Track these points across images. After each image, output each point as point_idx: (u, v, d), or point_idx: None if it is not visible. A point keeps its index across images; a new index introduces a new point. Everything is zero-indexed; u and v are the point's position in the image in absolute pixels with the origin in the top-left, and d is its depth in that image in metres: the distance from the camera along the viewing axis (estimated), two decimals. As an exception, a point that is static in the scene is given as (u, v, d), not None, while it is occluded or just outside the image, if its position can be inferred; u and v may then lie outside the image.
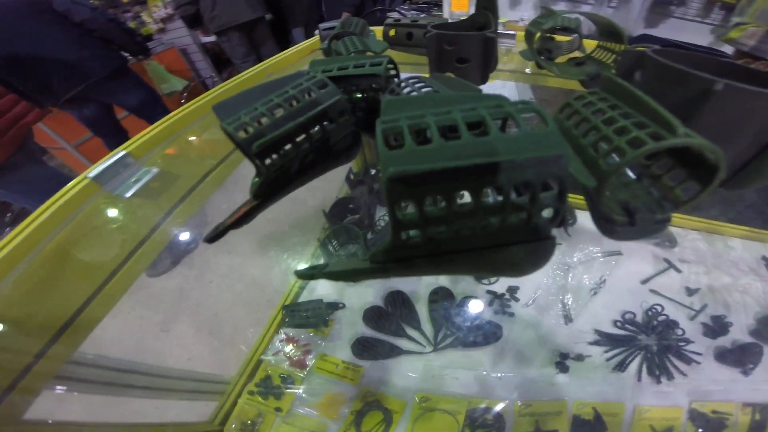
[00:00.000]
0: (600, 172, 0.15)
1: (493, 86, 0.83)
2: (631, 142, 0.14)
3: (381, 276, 0.16)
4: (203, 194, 0.43)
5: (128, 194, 0.38)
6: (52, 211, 0.34)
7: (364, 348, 0.72)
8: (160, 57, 3.26)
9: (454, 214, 0.14)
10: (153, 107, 2.24)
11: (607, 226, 0.18)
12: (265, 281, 1.04)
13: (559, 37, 0.52)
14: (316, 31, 0.60)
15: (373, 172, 0.98)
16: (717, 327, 0.69)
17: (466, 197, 0.13)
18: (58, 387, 0.36)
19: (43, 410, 0.34)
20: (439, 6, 2.79)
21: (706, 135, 0.20)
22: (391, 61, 0.28)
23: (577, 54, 0.51)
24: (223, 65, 3.70)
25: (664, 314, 0.72)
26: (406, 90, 0.21)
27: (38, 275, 0.33)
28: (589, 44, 0.50)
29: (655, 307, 0.73)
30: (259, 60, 2.80)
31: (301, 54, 0.58)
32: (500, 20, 2.26)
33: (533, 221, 0.14)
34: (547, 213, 0.14)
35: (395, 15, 2.54)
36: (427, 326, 0.74)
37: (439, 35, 0.38)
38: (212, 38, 3.33)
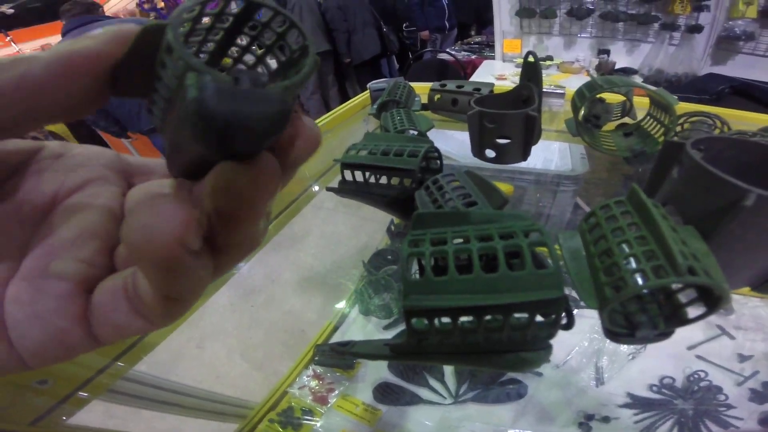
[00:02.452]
0: (603, 298, 0.16)
1: (544, 146, 0.84)
2: (635, 275, 0.16)
3: (397, 361, 0.19)
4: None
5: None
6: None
7: (385, 393, 0.73)
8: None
9: (460, 330, 0.16)
10: None
11: (607, 333, 0.19)
12: (302, 316, 1.08)
13: (610, 97, 0.50)
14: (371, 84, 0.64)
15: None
16: (766, 392, 0.64)
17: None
18: (80, 392, 0.37)
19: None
20: (491, 47, 2.86)
21: (739, 243, 0.21)
22: (431, 148, 0.31)
23: (627, 120, 0.49)
24: None
25: (708, 380, 0.67)
26: (438, 188, 0.24)
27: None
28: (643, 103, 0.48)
29: (699, 372, 0.68)
30: (324, 99, 3.01)
31: (354, 110, 0.63)
32: (555, 61, 2.27)
33: (531, 338, 0.16)
34: (545, 334, 0.16)
35: (445, 56, 2.63)
36: (450, 378, 0.74)
37: (481, 113, 0.39)
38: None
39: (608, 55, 2.13)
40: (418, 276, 0.16)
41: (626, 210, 0.19)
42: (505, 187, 0.79)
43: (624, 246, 0.17)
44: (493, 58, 2.63)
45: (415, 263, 0.17)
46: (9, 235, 0.13)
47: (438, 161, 0.34)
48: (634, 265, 0.16)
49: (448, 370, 0.75)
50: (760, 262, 0.22)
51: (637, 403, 0.65)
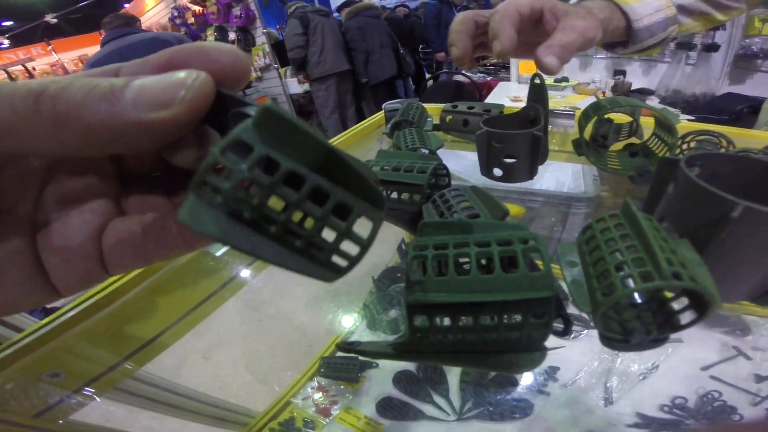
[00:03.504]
0: (595, 303, 0.17)
1: (557, 167, 0.85)
2: (624, 280, 0.17)
3: (400, 360, 0.20)
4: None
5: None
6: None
7: (388, 407, 0.73)
8: (254, 103, 3.65)
9: (458, 328, 0.17)
10: None
11: (603, 339, 0.20)
12: (310, 330, 1.09)
13: (618, 118, 0.51)
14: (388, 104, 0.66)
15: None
16: None
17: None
18: (89, 388, 0.38)
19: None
20: (507, 68, 2.89)
21: (732, 255, 0.21)
22: (440, 165, 0.33)
23: (634, 140, 0.51)
24: (305, 117, 4.03)
25: (722, 400, 0.65)
26: (444, 201, 0.25)
27: (139, 302, 0.39)
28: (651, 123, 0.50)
29: (712, 393, 0.67)
30: (341, 118, 3.07)
31: (369, 130, 0.65)
32: (571, 82, 2.28)
33: (525, 338, 0.17)
34: (538, 335, 0.17)
35: (461, 78, 2.67)
36: (455, 395, 0.73)
37: (489, 133, 0.41)
38: (300, 90, 3.69)
39: (624, 76, 2.13)
40: (421, 276, 0.17)
41: (619, 222, 0.20)
42: (516, 209, 0.79)
43: (616, 254, 0.18)
44: (509, 79, 2.66)
45: (419, 266, 0.19)
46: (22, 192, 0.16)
47: (446, 177, 0.36)
48: (623, 271, 0.17)
49: (453, 386, 0.75)
50: (755, 275, 0.23)
51: (646, 423, 0.64)
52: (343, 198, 0.13)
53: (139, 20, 2.15)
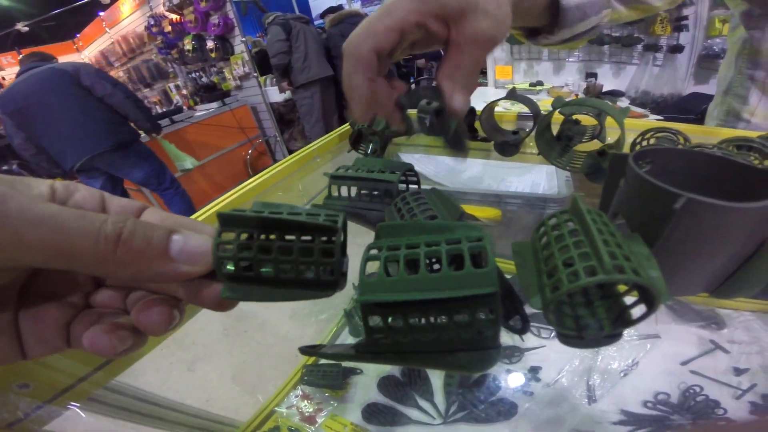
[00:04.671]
0: (545, 299, 0.18)
1: (532, 169, 0.86)
2: (569, 276, 0.17)
3: (361, 361, 0.20)
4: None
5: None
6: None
7: (373, 413, 0.72)
8: (233, 112, 3.59)
9: (410, 328, 0.18)
10: (156, 183, 2.36)
11: (558, 336, 0.20)
12: (296, 338, 1.08)
13: (584, 120, 0.51)
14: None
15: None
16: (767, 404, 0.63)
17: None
18: (71, 404, 0.39)
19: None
20: (484, 74, 2.94)
21: (681, 248, 0.22)
22: (410, 169, 0.33)
23: (597, 142, 0.51)
24: (286, 126, 3.98)
25: (704, 394, 0.67)
26: (405, 203, 0.25)
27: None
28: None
29: (694, 387, 0.68)
30: (326, 126, 3.06)
31: (342, 138, 0.65)
32: (545, 86, 2.34)
33: (476, 336, 0.18)
34: (487, 332, 0.17)
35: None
36: (439, 398, 0.74)
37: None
38: (280, 98, 3.66)
39: (596, 79, 2.19)
40: (374, 277, 0.17)
41: (569, 219, 0.20)
42: (492, 212, 0.80)
43: (564, 250, 0.18)
44: (486, 84, 2.70)
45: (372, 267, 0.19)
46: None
47: (416, 180, 0.36)
48: (570, 267, 0.17)
49: (437, 389, 0.75)
50: (707, 266, 0.23)
51: (631, 420, 0.65)
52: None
53: (56, 58, 2.24)
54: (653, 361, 0.75)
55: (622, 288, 0.21)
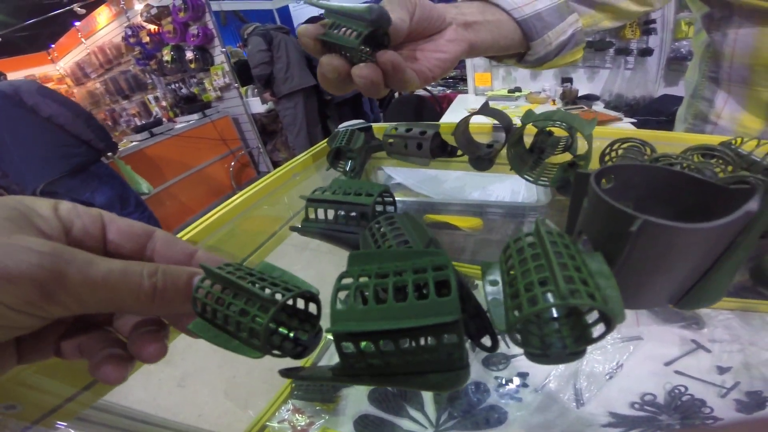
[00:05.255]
0: (509, 321, 0.19)
1: (511, 179, 0.87)
2: (529, 300, 0.18)
3: (338, 383, 0.21)
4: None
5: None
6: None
7: (365, 425, 0.73)
8: (215, 124, 3.55)
9: (381, 353, 0.19)
10: (120, 206, 2.19)
11: (526, 354, 0.21)
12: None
13: (557, 131, 0.52)
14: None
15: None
16: (753, 402, 0.64)
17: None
18: (59, 423, 0.39)
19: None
20: (465, 81, 2.98)
21: (641, 266, 0.22)
22: (386, 191, 0.34)
23: (569, 154, 0.53)
24: (269, 137, 3.95)
25: (689, 393, 0.68)
26: (378, 229, 0.26)
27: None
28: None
29: (679, 387, 0.69)
30: (309, 136, 3.05)
31: (323, 154, 0.66)
32: (523, 92, 2.38)
33: (443, 359, 0.19)
34: (454, 355, 0.19)
35: (422, 92, 2.72)
36: (430, 408, 0.74)
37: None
38: (262, 109, 3.64)
39: (571, 84, 2.24)
40: (345, 306, 0.18)
41: (533, 241, 0.21)
42: (473, 221, 0.82)
43: (526, 275, 0.19)
44: (467, 92, 2.74)
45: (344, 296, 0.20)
46: None
47: (392, 202, 0.37)
48: (531, 291, 0.18)
49: (428, 399, 0.75)
50: (668, 282, 0.24)
51: (620, 421, 0.66)
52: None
53: (5, 75, 2.19)
54: (637, 362, 0.76)
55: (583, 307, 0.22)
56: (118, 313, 0.24)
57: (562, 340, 0.21)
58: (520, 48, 0.48)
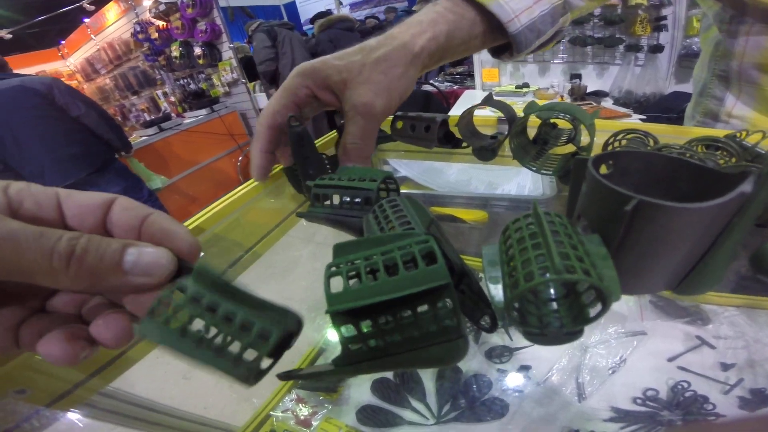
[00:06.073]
0: (506, 299, 0.19)
1: (518, 172, 0.87)
2: (525, 276, 0.18)
3: (342, 376, 0.22)
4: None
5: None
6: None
7: (368, 415, 0.73)
8: (223, 119, 3.58)
9: (381, 331, 0.19)
10: (134, 197, 2.31)
11: (524, 333, 0.21)
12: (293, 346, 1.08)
13: (561, 123, 0.52)
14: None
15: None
16: (756, 399, 0.63)
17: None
18: (69, 409, 0.40)
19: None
20: (472, 77, 2.97)
21: (635, 248, 0.23)
22: (390, 177, 0.35)
23: (573, 146, 0.53)
24: None
25: (692, 390, 0.68)
26: (382, 211, 0.27)
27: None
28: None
29: (682, 383, 0.69)
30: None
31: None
32: (531, 88, 2.36)
33: (441, 328, 0.19)
34: (449, 322, 0.19)
35: (429, 87, 2.72)
36: (432, 399, 0.75)
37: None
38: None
39: (580, 80, 2.23)
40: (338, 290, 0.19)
41: (531, 222, 0.21)
42: (479, 214, 0.82)
43: (523, 252, 0.20)
44: (474, 87, 2.73)
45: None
46: None
47: (396, 187, 0.38)
48: (527, 268, 0.18)
49: (430, 390, 0.76)
50: (665, 265, 0.24)
51: (622, 416, 0.66)
52: (245, 318, 0.20)
53: (7, 64, 2.13)
54: (640, 357, 0.76)
55: (581, 287, 0.22)
56: (35, 284, 0.20)
57: (560, 319, 0.21)
58: (491, 46, 0.47)
